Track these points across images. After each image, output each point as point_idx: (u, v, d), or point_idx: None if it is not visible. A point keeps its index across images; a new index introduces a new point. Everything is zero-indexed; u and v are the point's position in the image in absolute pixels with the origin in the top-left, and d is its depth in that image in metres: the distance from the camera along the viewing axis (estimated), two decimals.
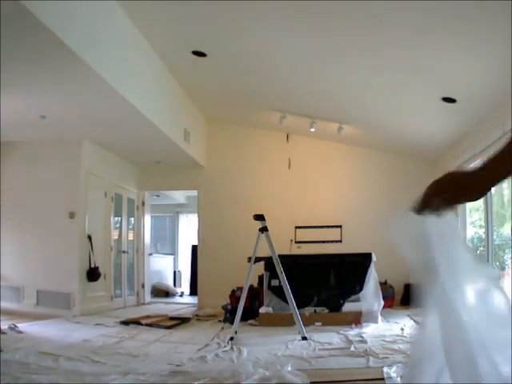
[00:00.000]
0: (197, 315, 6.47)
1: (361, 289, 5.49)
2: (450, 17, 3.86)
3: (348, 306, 5.48)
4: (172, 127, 6.61)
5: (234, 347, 3.94)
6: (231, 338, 4.30)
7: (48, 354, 3.64)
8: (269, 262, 5.19)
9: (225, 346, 3.99)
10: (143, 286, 8.66)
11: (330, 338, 4.36)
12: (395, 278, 7.27)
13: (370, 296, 5.41)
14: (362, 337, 4.31)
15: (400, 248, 1.09)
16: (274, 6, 4.23)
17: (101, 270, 6.81)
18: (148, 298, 8.79)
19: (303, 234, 7.84)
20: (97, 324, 5.53)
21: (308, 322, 4.98)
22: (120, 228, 8.10)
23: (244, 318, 5.10)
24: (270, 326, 5.12)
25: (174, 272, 11.72)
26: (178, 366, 3.26)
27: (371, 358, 3.32)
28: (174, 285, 11.31)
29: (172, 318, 5.97)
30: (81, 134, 6.49)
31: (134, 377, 2.93)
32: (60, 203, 6.40)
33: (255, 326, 5.39)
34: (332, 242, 7.63)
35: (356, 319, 5.15)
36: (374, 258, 5.64)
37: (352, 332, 4.64)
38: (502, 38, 3.84)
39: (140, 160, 8.16)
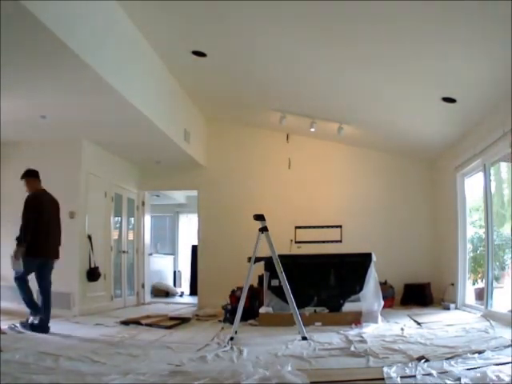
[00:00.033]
0: (197, 315, 6.47)
1: (361, 289, 5.49)
2: (450, 17, 3.86)
3: (348, 306, 5.48)
4: (172, 127, 6.61)
5: (234, 347, 3.94)
6: (231, 338, 4.30)
7: (48, 354, 3.64)
8: (269, 262, 5.20)
9: (225, 346, 3.99)
10: (143, 286, 8.66)
11: (330, 337, 4.36)
12: (395, 278, 7.28)
13: (370, 296, 5.42)
14: (362, 337, 4.30)
15: None
16: (274, 6, 4.23)
17: (101, 270, 6.80)
18: (148, 298, 8.79)
19: (303, 234, 7.84)
20: (97, 324, 5.54)
21: (308, 321, 4.98)
22: (120, 228, 8.10)
23: (244, 318, 5.10)
24: (270, 326, 5.12)
25: (174, 272, 11.71)
26: (177, 366, 3.25)
27: (371, 358, 3.31)
28: (174, 285, 11.31)
29: (172, 318, 5.97)
30: (81, 134, 6.49)
31: (133, 377, 2.93)
32: (60, 203, 6.38)
33: (255, 325, 5.39)
34: (332, 242, 7.63)
35: (356, 319, 5.16)
36: (373, 258, 5.64)
37: (352, 332, 4.64)
38: (501, 38, 3.85)
39: (140, 160, 8.16)
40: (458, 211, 6.59)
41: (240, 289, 5.54)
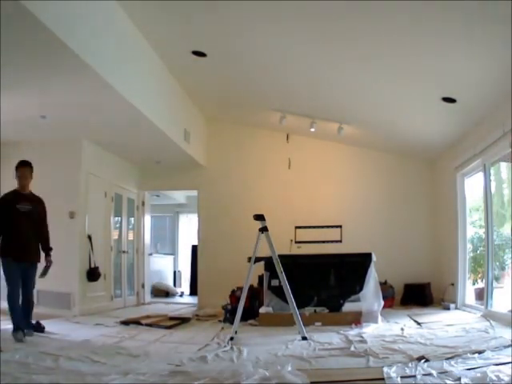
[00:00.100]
0: (197, 315, 6.47)
1: (361, 289, 5.49)
2: (450, 17, 3.86)
3: (348, 306, 5.48)
4: (172, 127, 6.61)
5: (234, 347, 3.94)
6: (231, 338, 4.30)
7: (48, 354, 3.64)
8: (269, 262, 5.20)
9: (225, 346, 3.99)
10: (143, 286, 8.66)
11: (329, 337, 4.36)
12: (395, 278, 7.28)
13: (370, 296, 5.41)
14: (362, 337, 4.31)
15: None
16: (274, 6, 4.23)
17: (101, 270, 6.80)
18: (148, 298, 8.79)
19: (303, 234, 7.83)
20: (97, 324, 5.54)
21: (308, 321, 4.98)
22: (120, 228, 8.10)
23: (244, 318, 5.10)
24: (270, 326, 5.12)
25: (174, 272, 11.71)
26: (177, 366, 3.26)
27: (371, 358, 3.32)
28: (174, 285, 11.31)
29: (172, 318, 5.97)
30: (81, 134, 6.49)
31: (133, 377, 2.93)
32: (60, 203, 6.38)
33: (255, 325, 5.39)
34: (332, 242, 7.63)
35: (356, 319, 5.16)
36: (373, 257, 5.64)
37: (352, 332, 4.64)
38: (501, 38, 3.85)
39: (140, 160, 8.16)
40: (458, 211, 6.59)
41: (240, 289, 5.54)
